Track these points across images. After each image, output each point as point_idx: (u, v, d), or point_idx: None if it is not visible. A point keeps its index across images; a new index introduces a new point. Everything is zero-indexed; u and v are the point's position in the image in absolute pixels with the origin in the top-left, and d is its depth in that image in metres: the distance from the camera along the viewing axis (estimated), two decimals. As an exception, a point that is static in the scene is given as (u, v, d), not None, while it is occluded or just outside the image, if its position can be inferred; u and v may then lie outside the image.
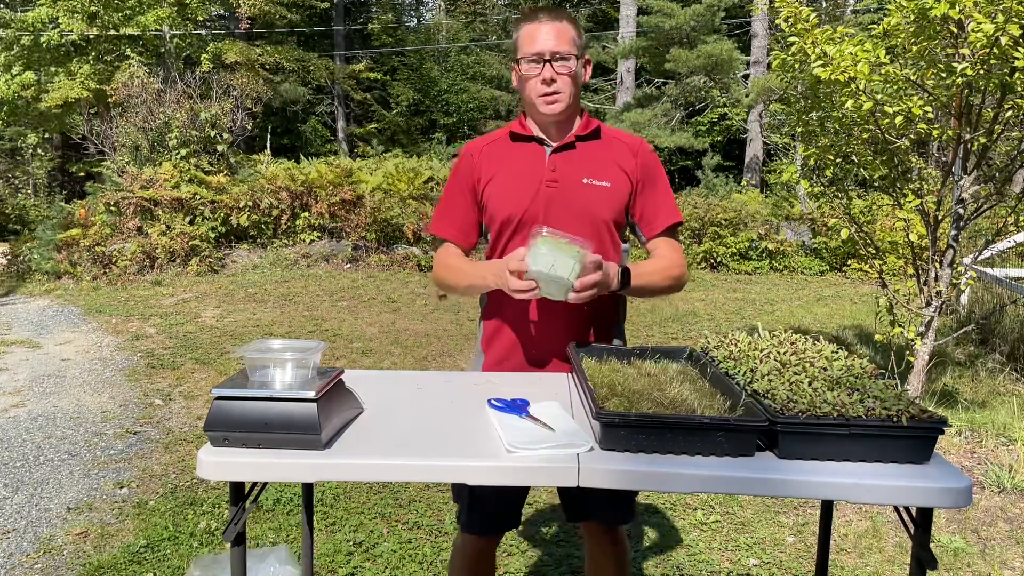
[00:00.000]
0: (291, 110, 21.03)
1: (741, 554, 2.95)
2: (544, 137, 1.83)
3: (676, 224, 1.86)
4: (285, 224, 11.18)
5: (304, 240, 11.12)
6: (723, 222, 11.76)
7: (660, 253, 1.84)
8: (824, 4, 16.20)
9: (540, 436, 1.29)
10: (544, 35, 1.75)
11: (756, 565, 2.88)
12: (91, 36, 15.74)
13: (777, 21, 4.06)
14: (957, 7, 3.39)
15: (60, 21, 15.36)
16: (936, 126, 3.88)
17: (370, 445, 1.31)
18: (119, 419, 4.55)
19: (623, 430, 1.23)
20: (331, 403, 1.33)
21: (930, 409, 1.28)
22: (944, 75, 3.60)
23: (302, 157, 13.92)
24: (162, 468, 3.81)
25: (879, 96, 3.72)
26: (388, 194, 11.47)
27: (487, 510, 1.84)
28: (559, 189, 1.78)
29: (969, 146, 3.93)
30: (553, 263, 1.52)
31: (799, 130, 4.39)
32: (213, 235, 10.66)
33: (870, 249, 4.58)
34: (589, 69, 1.86)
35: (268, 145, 15.48)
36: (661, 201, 1.85)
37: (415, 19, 27.87)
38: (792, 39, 3.96)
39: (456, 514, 1.92)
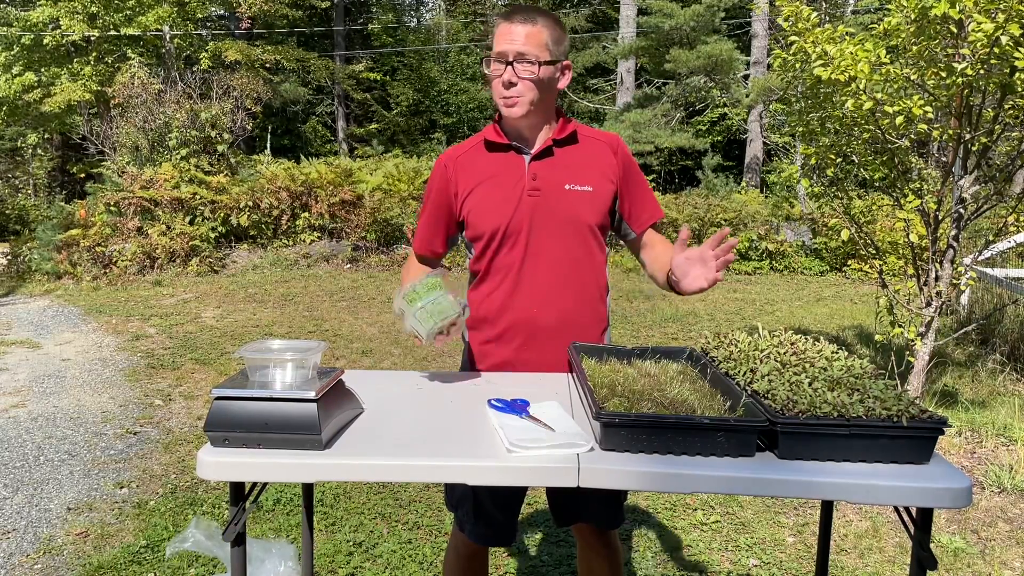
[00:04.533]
0: (291, 110, 21.03)
1: (741, 554, 2.95)
2: (520, 145, 1.79)
3: (661, 219, 1.92)
4: (285, 224, 11.18)
5: (304, 240, 11.13)
6: (723, 222, 11.75)
7: (658, 244, 1.89)
8: (824, 5, 16.20)
9: (540, 435, 1.29)
10: (512, 35, 1.69)
11: (756, 565, 2.88)
12: (92, 37, 15.75)
13: (778, 20, 4.07)
14: (957, 7, 3.39)
15: (61, 22, 15.36)
16: (936, 126, 3.89)
17: (370, 445, 1.31)
18: (119, 419, 4.55)
19: (623, 430, 1.23)
20: (331, 403, 1.33)
21: (930, 409, 1.28)
22: (944, 75, 3.60)
23: (302, 157, 13.91)
24: (162, 468, 3.81)
25: (879, 96, 3.72)
26: (388, 194, 11.47)
27: (491, 519, 1.84)
28: (542, 197, 1.75)
29: (969, 146, 3.93)
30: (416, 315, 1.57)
31: (799, 130, 4.39)
32: (213, 235, 10.66)
33: (870, 249, 4.58)
34: (568, 75, 1.78)
35: (268, 145, 15.47)
36: (646, 197, 1.89)
37: (415, 19, 27.87)
38: (793, 38, 3.96)
39: (455, 517, 1.92)
